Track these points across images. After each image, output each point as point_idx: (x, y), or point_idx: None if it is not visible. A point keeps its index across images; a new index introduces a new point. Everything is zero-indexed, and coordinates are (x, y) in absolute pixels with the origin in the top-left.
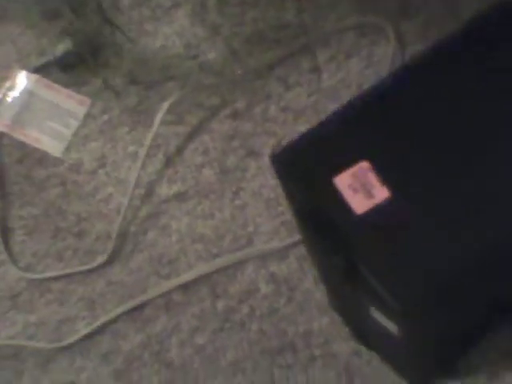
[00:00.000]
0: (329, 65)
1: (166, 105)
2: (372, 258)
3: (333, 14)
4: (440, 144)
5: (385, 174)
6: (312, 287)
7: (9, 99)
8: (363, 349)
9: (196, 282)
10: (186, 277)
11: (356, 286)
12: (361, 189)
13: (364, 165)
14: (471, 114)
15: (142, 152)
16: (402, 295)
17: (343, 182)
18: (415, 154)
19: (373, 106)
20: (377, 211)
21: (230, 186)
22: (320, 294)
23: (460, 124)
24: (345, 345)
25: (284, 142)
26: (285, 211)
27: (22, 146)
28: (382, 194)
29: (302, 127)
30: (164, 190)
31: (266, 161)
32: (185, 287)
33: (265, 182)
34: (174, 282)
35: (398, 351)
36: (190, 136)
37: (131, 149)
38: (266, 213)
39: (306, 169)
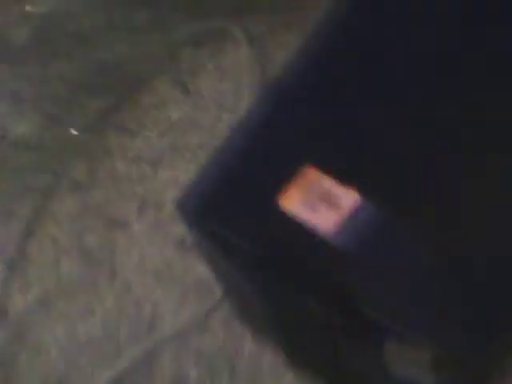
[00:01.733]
0: (174, 93)
1: None
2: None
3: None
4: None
5: (338, 173)
6: (256, 351)
7: None
8: None
9: None
10: None
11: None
12: (320, 202)
13: (310, 171)
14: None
15: None
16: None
17: (292, 202)
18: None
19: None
20: (352, 223)
21: (102, 272)
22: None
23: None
24: None
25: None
26: (183, 276)
27: None
28: (348, 199)
29: (166, 175)
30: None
31: (136, 228)
32: None
33: (144, 253)
34: None
35: None
36: (29, 230)
37: None
38: (160, 287)
39: (235, 208)
